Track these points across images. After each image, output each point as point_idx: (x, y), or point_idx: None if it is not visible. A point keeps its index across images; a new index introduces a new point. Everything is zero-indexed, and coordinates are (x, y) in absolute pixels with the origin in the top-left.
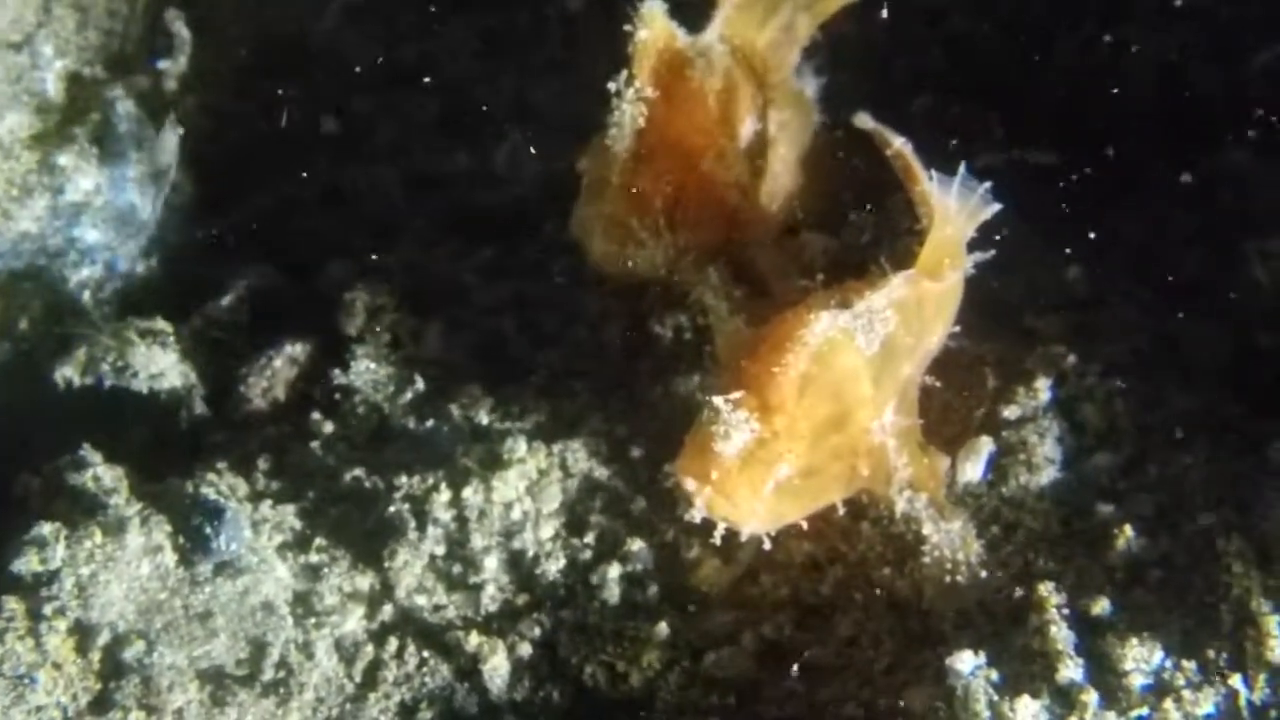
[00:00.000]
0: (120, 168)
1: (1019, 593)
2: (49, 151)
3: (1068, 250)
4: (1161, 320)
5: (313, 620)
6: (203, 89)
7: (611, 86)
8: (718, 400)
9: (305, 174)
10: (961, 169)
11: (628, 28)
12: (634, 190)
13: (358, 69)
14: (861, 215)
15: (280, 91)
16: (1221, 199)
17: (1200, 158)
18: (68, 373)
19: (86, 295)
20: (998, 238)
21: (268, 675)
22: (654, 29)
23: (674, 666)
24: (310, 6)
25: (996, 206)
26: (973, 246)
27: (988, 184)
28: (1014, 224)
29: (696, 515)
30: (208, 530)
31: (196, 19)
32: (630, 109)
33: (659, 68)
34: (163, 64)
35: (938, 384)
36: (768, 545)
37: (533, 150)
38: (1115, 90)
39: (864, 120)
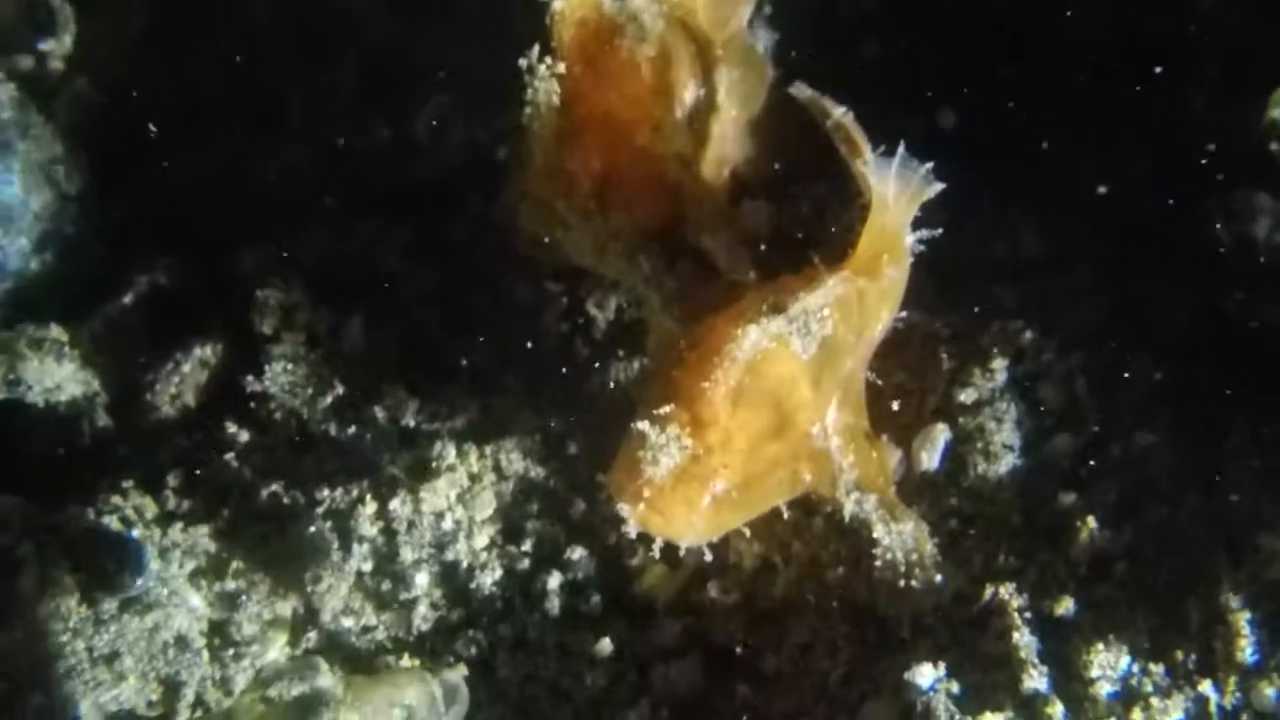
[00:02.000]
0: (4, 159)
1: (979, 595)
2: None
3: (1022, 204)
4: (1121, 282)
5: (231, 652)
6: (94, 65)
7: (523, 62)
8: (644, 425)
9: (209, 154)
10: (900, 149)
11: None
12: (560, 170)
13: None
14: (802, 186)
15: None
16: (1178, 145)
17: (1154, 101)
18: None
19: None
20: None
21: (183, 717)
22: None
23: (620, 681)
24: None
25: (939, 187)
26: (919, 224)
27: (929, 164)
28: (966, 177)
29: (631, 531)
30: (110, 565)
31: None
32: (544, 85)
33: (583, 38)
34: (45, 44)
35: (890, 366)
36: (708, 556)
37: (456, 117)
38: (1066, 31)
39: (800, 90)
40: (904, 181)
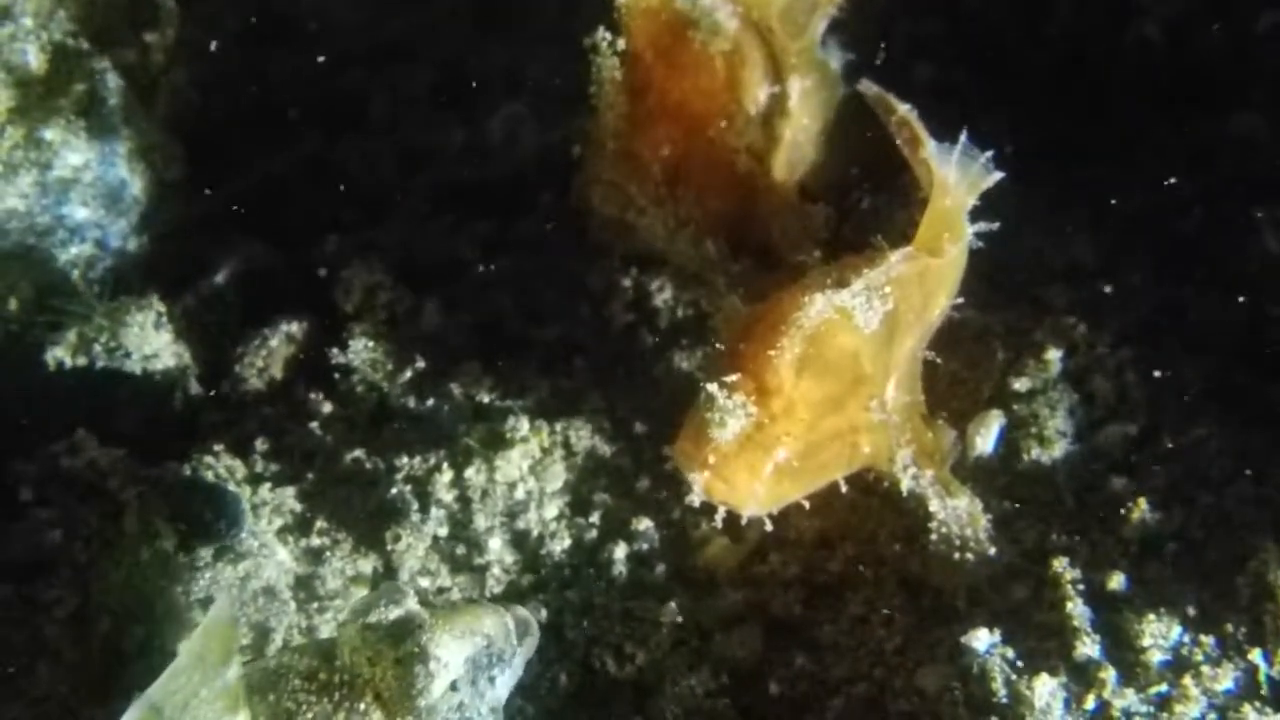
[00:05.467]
0: (110, 142)
1: (1033, 568)
2: (34, 126)
3: (1074, 218)
4: (1170, 289)
5: (316, 604)
6: (191, 61)
7: (587, 42)
8: (712, 387)
9: (296, 148)
10: (962, 137)
11: None
12: (632, 155)
13: (348, 40)
14: (862, 191)
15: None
16: (1226, 163)
17: (1204, 122)
18: (59, 354)
19: (76, 274)
20: (1002, 206)
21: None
22: None
23: (682, 647)
24: None
25: (998, 175)
26: (977, 216)
27: (989, 152)
28: (1019, 191)
29: (695, 499)
30: (208, 514)
31: None
32: (607, 62)
33: (655, 29)
34: (149, 36)
35: (946, 357)
36: (769, 526)
37: (528, 122)
38: (1118, 53)
39: (868, 87)
40: (965, 168)
